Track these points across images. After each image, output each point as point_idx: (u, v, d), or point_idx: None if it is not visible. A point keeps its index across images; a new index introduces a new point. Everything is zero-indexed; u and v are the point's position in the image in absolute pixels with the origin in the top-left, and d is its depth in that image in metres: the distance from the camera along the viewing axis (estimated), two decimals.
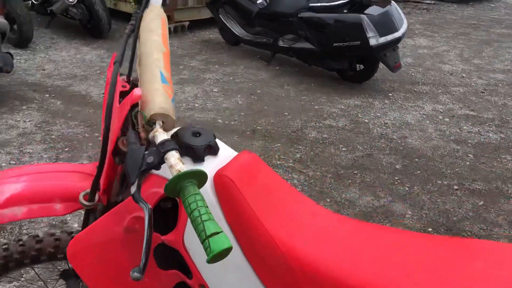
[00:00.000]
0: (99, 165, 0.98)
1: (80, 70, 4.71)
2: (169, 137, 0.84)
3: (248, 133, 3.59)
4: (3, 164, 2.95)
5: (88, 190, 1.06)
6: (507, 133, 3.78)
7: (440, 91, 4.67)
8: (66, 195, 1.16)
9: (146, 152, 0.82)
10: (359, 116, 4.00)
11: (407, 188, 2.96)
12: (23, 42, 5.24)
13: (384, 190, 2.92)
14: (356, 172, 3.11)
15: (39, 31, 5.89)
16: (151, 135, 0.86)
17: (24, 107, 3.79)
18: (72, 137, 3.35)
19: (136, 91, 0.86)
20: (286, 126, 3.74)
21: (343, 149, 3.41)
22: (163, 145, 0.81)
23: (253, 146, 3.38)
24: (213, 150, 1.00)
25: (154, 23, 1.02)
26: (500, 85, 4.90)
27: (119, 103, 0.95)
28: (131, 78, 1.09)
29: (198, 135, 0.99)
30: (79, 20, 5.81)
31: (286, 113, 3.97)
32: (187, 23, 6.34)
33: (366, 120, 3.91)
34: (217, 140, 1.05)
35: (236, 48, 5.76)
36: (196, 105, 4.05)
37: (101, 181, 1.04)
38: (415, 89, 4.68)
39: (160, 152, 0.80)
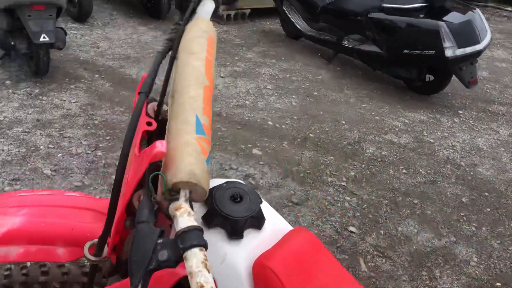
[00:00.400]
0: (106, 224, 0.74)
1: (134, 52, 4.57)
2: (195, 223, 0.58)
3: (299, 140, 3.31)
4: (41, 147, 2.82)
5: (95, 241, 0.84)
6: None
7: None
8: (72, 239, 0.94)
9: (160, 241, 0.57)
10: (424, 134, 3.61)
11: (473, 228, 2.59)
12: (82, 16, 5.17)
13: (446, 227, 2.57)
14: (416, 201, 2.77)
15: (100, 6, 5.81)
16: (171, 210, 0.61)
17: (72, 86, 3.68)
18: (115, 124, 3.20)
19: (159, 146, 0.61)
20: (342, 136, 3.43)
21: (404, 171, 3.06)
22: (184, 236, 0.56)
23: (303, 156, 3.10)
24: (257, 222, 0.74)
25: (197, 43, 0.76)
26: None
27: (141, 149, 0.71)
28: (161, 110, 0.84)
29: (239, 199, 0.74)
30: None
31: (343, 122, 3.65)
32: (248, 11, 6.08)
33: (432, 140, 3.53)
34: (264, 204, 0.79)
35: (296, 42, 5.45)
36: (247, 102, 3.80)
37: (112, 232, 0.81)
38: (490, 109, 4.21)
39: (178, 247, 0.55)
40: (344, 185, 2.83)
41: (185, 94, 0.69)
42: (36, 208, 0.97)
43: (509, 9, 8.48)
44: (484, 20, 3.93)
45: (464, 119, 3.94)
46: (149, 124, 0.75)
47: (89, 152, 2.84)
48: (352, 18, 4.41)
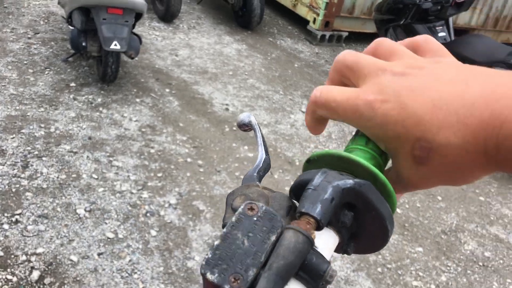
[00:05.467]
0: None
1: (213, 66, 4.16)
2: None
3: None
4: (83, 176, 2.46)
5: None
6: None
7: None
8: None
9: None
10: None
11: None
12: (168, 16, 4.87)
13: None
14: None
15: (190, 6, 5.50)
16: None
17: (137, 100, 3.33)
18: (171, 158, 2.78)
19: None
20: (436, 219, 2.78)
21: None
22: None
23: None
24: None
25: None
26: None
27: None
28: None
29: None
30: (232, 5, 5.31)
31: (439, 197, 3.00)
32: (345, 34, 5.49)
33: None
34: None
35: None
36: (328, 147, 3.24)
37: None
38: None
39: None
40: None
41: None
42: None
43: None
44: None
45: None
46: None
47: (134, 191, 2.44)
48: None
